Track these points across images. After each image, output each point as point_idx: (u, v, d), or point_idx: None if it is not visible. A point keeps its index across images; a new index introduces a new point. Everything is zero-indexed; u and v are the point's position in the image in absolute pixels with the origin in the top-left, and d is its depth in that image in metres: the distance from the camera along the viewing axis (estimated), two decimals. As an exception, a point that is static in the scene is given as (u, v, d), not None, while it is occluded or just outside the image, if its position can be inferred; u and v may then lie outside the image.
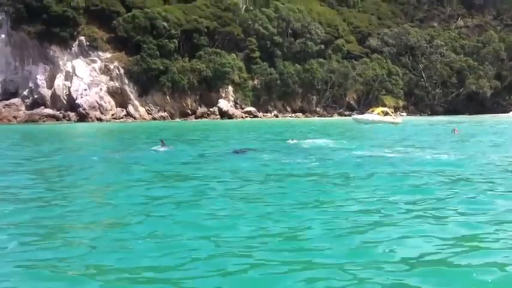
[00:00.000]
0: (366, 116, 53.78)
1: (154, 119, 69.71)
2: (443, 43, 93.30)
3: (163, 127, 49.55)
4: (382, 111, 54.91)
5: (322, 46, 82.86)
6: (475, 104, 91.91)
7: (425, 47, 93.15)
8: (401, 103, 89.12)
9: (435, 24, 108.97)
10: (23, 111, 68.63)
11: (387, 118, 53.28)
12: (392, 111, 55.94)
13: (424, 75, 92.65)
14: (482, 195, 10.18)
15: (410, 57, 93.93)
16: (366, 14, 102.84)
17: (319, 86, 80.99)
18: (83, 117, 65.89)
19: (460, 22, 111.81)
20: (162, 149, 21.03)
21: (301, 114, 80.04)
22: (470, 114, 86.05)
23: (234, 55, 76.20)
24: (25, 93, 70.38)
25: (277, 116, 77.74)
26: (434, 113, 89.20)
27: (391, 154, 18.37)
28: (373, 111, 56.26)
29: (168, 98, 72.35)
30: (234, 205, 9.52)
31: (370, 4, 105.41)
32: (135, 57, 70.55)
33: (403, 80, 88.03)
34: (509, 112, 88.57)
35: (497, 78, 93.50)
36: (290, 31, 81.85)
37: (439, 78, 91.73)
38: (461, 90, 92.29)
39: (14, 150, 24.95)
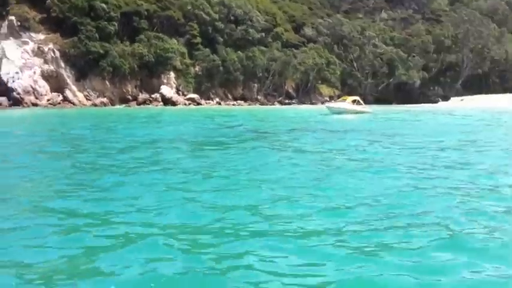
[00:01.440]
0: (340, 105, 53.59)
1: (94, 104, 65.68)
2: (374, 34, 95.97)
3: (119, 114, 46.86)
4: (354, 100, 55.01)
5: (263, 34, 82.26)
6: (403, 94, 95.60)
7: (358, 38, 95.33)
8: (336, 92, 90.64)
9: (361, 15, 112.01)
10: None
11: (360, 107, 53.55)
12: (359, 99, 56.21)
13: (355, 65, 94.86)
14: None
15: (342, 48, 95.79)
16: (298, 3, 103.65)
17: (261, 74, 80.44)
18: (17, 102, 60.64)
19: (384, 14, 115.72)
20: None
21: (243, 102, 79.09)
22: (398, 103, 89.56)
23: (175, 40, 73.67)
24: None
25: (219, 104, 76.21)
26: (365, 102, 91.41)
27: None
28: (344, 99, 56.33)
29: (107, 83, 68.46)
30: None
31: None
32: (72, 40, 65.94)
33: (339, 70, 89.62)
34: (437, 102, 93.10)
35: (425, 69, 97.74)
36: (232, 17, 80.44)
37: (371, 68, 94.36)
38: (391, 80, 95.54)
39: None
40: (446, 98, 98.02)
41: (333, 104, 56.22)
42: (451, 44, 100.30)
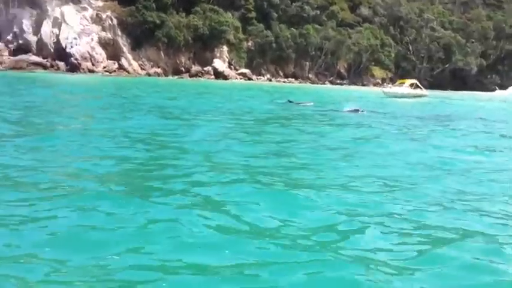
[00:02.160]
0: (396, 89, 52.69)
1: (148, 74, 66.48)
2: (433, 17, 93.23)
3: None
4: (412, 84, 53.95)
5: (318, 11, 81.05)
6: (459, 81, 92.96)
7: (415, 20, 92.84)
8: (389, 75, 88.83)
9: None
10: (6, 57, 64.02)
11: (417, 91, 52.47)
12: (417, 83, 55.11)
13: (411, 48, 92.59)
14: None
15: (398, 29, 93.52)
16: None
17: (313, 52, 79.49)
18: (74, 68, 62.03)
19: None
20: None
21: (293, 79, 78.55)
22: (453, 90, 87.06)
23: (230, 14, 73.48)
24: (9, 37, 65.58)
25: (270, 80, 75.95)
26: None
27: None
28: (402, 83, 55.31)
29: (162, 53, 69.08)
30: None
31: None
32: (130, 8, 66.68)
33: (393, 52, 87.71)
34: (494, 91, 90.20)
35: (483, 56, 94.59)
36: (287, -7, 79.53)
37: (427, 52, 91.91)
38: (446, 65, 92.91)
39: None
40: (503, 87, 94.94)
41: (390, 89, 55.06)
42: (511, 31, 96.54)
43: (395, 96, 48.86)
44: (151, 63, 68.44)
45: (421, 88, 55.04)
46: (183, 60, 70.97)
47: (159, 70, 68.29)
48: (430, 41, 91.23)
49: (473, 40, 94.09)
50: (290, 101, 31.74)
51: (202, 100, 30.42)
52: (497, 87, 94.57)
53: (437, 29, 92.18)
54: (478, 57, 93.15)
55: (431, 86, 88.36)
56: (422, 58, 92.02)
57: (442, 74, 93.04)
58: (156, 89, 40.05)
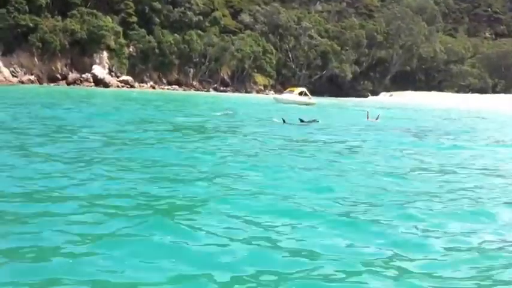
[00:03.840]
0: (287, 96, 53.76)
1: (21, 82, 61.67)
2: (310, 25, 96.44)
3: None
4: (300, 92, 55.29)
5: (201, 17, 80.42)
6: (335, 87, 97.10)
7: (294, 28, 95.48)
8: (271, 82, 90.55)
9: (296, 6, 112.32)
10: None
11: (305, 99, 53.89)
12: (306, 91, 56.75)
13: (290, 56, 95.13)
14: None
15: (278, 37, 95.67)
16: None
17: (197, 59, 78.76)
18: None
19: (319, 6, 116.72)
20: None
21: (177, 86, 77.21)
22: (330, 96, 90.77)
23: (109, 18, 70.48)
24: None
25: (153, 88, 73.99)
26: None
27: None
28: (291, 91, 56.50)
29: (36, 59, 64.53)
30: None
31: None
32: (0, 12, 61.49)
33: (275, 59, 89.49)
34: (366, 96, 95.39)
35: (356, 63, 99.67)
36: (169, -2, 78.05)
37: (305, 59, 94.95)
38: (324, 72, 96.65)
39: None
40: (375, 93, 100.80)
41: (280, 96, 56.44)
42: (382, 39, 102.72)
43: (288, 103, 49.96)
44: (24, 69, 63.61)
45: (309, 96, 56.78)
46: (59, 67, 66.83)
47: (32, 77, 63.62)
48: (309, 49, 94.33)
49: (348, 48, 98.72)
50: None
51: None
52: (369, 93, 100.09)
53: (314, 36, 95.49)
54: (352, 64, 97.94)
55: (311, 93, 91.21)
56: (302, 65, 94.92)
57: (320, 80, 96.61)
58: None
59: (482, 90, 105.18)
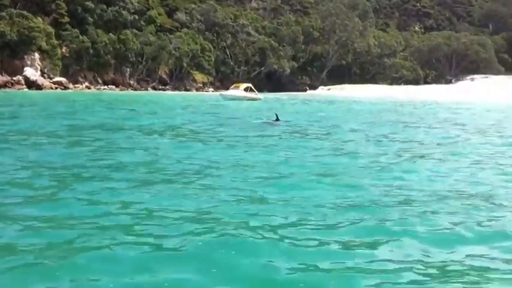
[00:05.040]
0: (233, 92, 53.99)
1: None
2: (247, 23, 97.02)
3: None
4: (246, 88, 55.66)
5: (136, 16, 79.35)
6: (274, 82, 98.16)
7: (231, 25, 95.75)
8: (210, 79, 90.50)
9: (231, 3, 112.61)
10: None
11: (251, 94, 54.31)
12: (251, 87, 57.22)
13: (228, 53, 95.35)
14: None
15: (215, 35, 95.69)
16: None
17: (133, 58, 77.65)
18: None
19: (254, 4, 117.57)
20: None
21: (114, 86, 75.84)
22: (269, 91, 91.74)
23: (40, 19, 68.44)
24: None
25: (89, 88, 72.33)
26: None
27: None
28: (237, 87, 56.71)
29: (-37, 63, 61.98)
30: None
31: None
32: None
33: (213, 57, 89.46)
34: (305, 91, 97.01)
35: (294, 59, 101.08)
36: (102, -3, 76.56)
37: (243, 56, 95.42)
38: (262, 68, 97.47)
39: None
40: (313, 87, 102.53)
41: (227, 92, 56.70)
42: (318, 35, 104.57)
43: (233, 99, 50.26)
44: (-48, 75, 60.91)
45: (255, 91, 57.37)
46: (-12, 70, 64.34)
47: (-38, 82, 61.00)
48: (246, 46, 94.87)
49: (285, 44, 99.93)
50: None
51: None
52: (307, 88, 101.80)
53: (252, 33, 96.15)
54: (290, 60, 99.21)
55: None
56: (240, 62, 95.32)
57: (259, 76, 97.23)
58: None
59: (414, 82, 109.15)
